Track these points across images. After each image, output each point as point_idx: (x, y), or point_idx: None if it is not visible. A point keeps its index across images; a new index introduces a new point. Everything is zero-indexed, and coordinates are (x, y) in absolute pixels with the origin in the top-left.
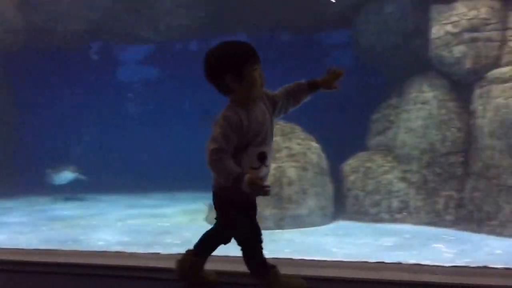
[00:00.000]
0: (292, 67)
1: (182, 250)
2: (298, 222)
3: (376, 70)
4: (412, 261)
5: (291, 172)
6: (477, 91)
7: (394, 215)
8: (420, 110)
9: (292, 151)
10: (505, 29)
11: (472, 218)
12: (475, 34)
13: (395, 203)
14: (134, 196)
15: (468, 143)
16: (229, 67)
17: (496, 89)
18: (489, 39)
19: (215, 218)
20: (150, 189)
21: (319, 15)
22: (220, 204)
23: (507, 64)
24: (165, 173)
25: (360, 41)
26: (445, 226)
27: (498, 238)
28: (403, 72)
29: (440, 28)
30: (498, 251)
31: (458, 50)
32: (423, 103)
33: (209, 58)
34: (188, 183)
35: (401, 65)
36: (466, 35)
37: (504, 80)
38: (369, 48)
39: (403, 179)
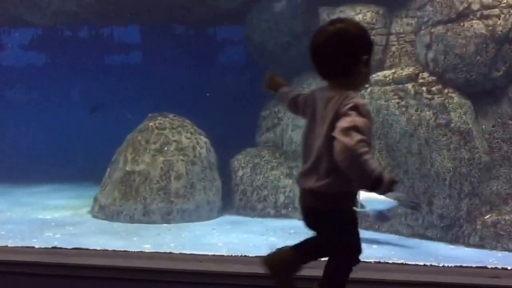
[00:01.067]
0: (183, 60)
1: (64, 244)
2: (185, 216)
3: (268, 67)
4: None
5: (179, 166)
6: (361, 92)
7: (280, 210)
8: None
9: (181, 145)
10: (388, 34)
11: None
12: None
13: (281, 199)
14: (13, 186)
15: None
16: (365, 48)
17: (379, 91)
18: (374, 43)
19: (318, 233)
20: (31, 180)
21: (213, 9)
22: (333, 216)
23: (389, 68)
24: (48, 164)
25: (252, 38)
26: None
27: (375, 233)
28: (293, 70)
29: None
30: (375, 246)
31: None
32: None
33: (345, 34)
34: (72, 174)
35: (291, 63)
36: None
37: (386, 83)
38: (261, 46)
39: (289, 175)
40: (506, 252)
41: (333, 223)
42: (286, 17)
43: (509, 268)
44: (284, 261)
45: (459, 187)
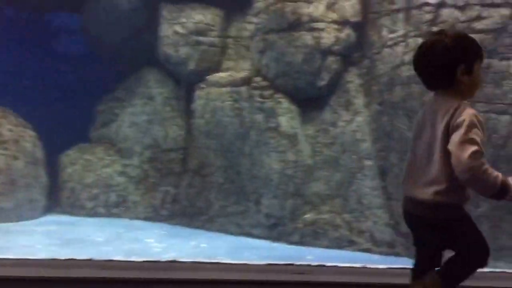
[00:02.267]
0: (14, 47)
1: None
2: (3, 216)
3: (105, 61)
4: (119, 256)
5: None
6: (198, 93)
7: (111, 210)
8: (145, 105)
9: (2, 138)
10: (226, 37)
11: (185, 213)
12: (200, 38)
13: (113, 197)
14: None
15: (187, 141)
16: (463, 57)
17: (215, 92)
18: (212, 45)
19: (434, 241)
20: None
21: None
22: (451, 225)
23: (226, 70)
24: None
25: (90, 29)
26: (161, 221)
27: (207, 232)
28: (132, 66)
29: (169, 27)
30: (204, 245)
31: (184, 51)
32: (149, 98)
33: (437, 46)
34: None
35: (130, 58)
36: (192, 38)
37: (222, 85)
38: (99, 37)
39: (123, 173)
40: (323, 249)
41: (456, 230)
42: (127, 10)
43: (313, 264)
44: None
45: (284, 188)
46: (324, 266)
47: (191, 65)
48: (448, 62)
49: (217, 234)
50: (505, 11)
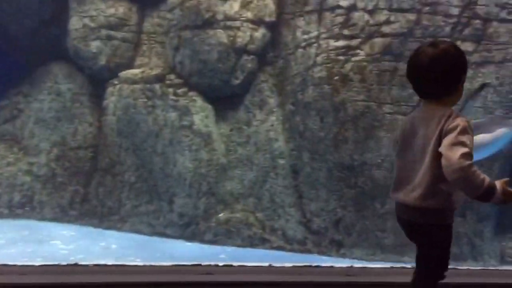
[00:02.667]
0: None
1: None
2: None
3: (9, 53)
4: (25, 259)
5: None
6: (110, 89)
7: (16, 210)
8: (53, 101)
9: None
10: (140, 32)
11: (95, 213)
12: (112, 33)
13: (17, 198)
14: None
15: (98, 139)
16: (465, 68)
17: (127, 89)
18: (125, 40)
19: (419, 245)
20: None
21: None
22: (435, 230)
23: (139, 66)
24: None
25: None
26: (69, 221)
27: (118, 232)
28: (39, 59)
29: (79, 20)
30: (114, 246)
31: (95, 45)
32: (57, 94)
33: (448, 55)
34: None
35: (37, 52)
36: (103, 32)
37: (135, 81)
38: (2, 29)
39: (28, 172)
40: (235, 247)
41: (435, 237)
42: (33, 1)
43: (220, 264)
44: None
45: (198, 187)
46: (232, 265)
47: (102, 60)
48: (456, 72)
49: (129, 235)
50: (411, 16)
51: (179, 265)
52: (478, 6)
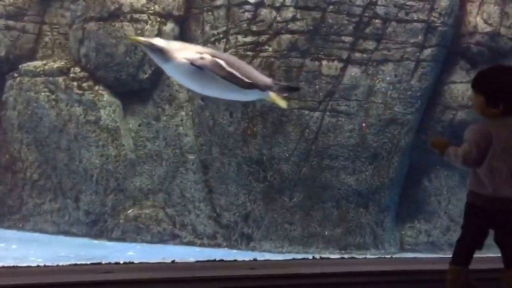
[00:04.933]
0: None
1: None
2: None
3: None
4: None
5: None
6: (10, 82)
7: None
8: None
9: None
10: (42, 23)
11: None
12: (11, 23)
13: None
14: None
15: None
16: None
17: (28, 82)
18: (25, 31)
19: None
20: None
21: None
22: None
23: (41, 59)
24: None
25: None
26: None
27: (19, 232)
28: None
29: None
30: (14, 246)
31: None
32: None
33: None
34: None
35: None
36: (1, 22)
37: (36, 74)
38: None
39: None
40: (144, 244)
41: None
42: None
43: (121, 262)
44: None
45: (105, 183)
46: (132, 263)
47: (1, 52)
48: (505, 95)
49: (31, 234)
50: (316, 15)
51: (78, 265)
52: (378, 7)
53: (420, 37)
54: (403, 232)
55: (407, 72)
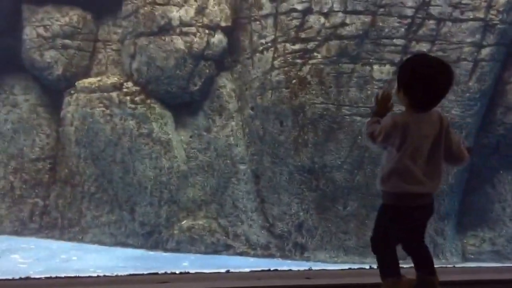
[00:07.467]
0: None
1: None
2: None
3: None
4: None
5: None
6: (67, 99)
7: None
8: (10, 113)
9: None
10: (95, 40)
11: (56, 225)
12: (67, 41)
13: None
14: None
15: (56, 150)
16: None
17: (84, 98)
18: (80, 49)
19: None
20: None
21: None
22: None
23: (95, 75)
24: None
25: None
26: (30, 234)
27: (79, 244)
28: None
29: (33, 30)
30: (74, 258)
31: (50, 55)
32: (14, 106)
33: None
34: None
35: None
36: (58, 41)
37: (92, 90)
38: None
39: None
40: (199, 255)
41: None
42: None
43: (177, 272)
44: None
45: (159, 195)
46: (188, 273)
47: (58, 70)
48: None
49: (90, 246)
50: (365, 18)
51: (135, 275)
52: (431, 7)
53: (477, 36)
54: (465, 241)
55: (465, 73)
